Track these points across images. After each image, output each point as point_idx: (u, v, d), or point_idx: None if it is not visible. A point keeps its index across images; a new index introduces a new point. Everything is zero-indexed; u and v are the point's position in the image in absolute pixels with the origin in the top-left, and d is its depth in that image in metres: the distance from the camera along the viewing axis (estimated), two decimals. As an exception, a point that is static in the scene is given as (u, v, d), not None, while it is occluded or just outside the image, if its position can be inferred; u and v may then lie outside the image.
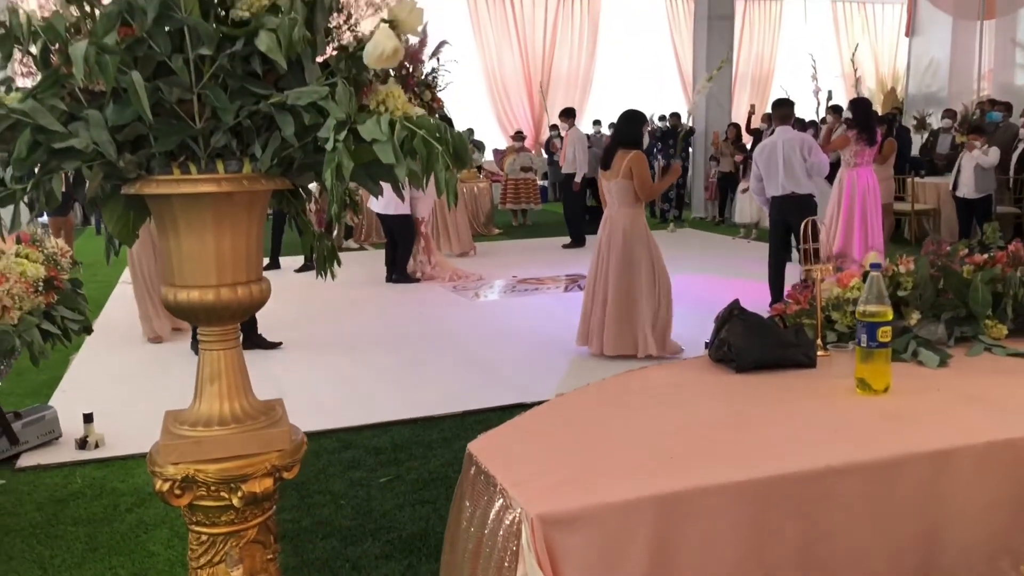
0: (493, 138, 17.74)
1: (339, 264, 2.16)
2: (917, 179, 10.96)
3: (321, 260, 2.14)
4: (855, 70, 11.67)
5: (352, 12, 1.92)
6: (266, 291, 1.96)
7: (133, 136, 1.77)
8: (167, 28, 1.72)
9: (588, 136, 16.94)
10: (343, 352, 6.22)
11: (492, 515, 1.84)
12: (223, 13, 1.77)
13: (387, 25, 1.76)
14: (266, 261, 9.09)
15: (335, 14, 1.90)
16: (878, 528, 1.92)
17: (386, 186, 6.44)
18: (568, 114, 11.62)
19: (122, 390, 5.35)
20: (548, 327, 6.83)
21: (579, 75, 18.70)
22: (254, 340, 6.22)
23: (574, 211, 11.51)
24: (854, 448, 2.00)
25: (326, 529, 3.44)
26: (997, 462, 2.01)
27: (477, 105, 18.00)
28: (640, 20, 19.22)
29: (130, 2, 1.71)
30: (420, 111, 1.98)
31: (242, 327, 6.29)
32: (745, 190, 10.94)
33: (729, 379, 2.55)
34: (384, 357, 6.05)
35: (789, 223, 6.84)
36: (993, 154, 9.60)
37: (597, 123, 18.38)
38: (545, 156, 17.71)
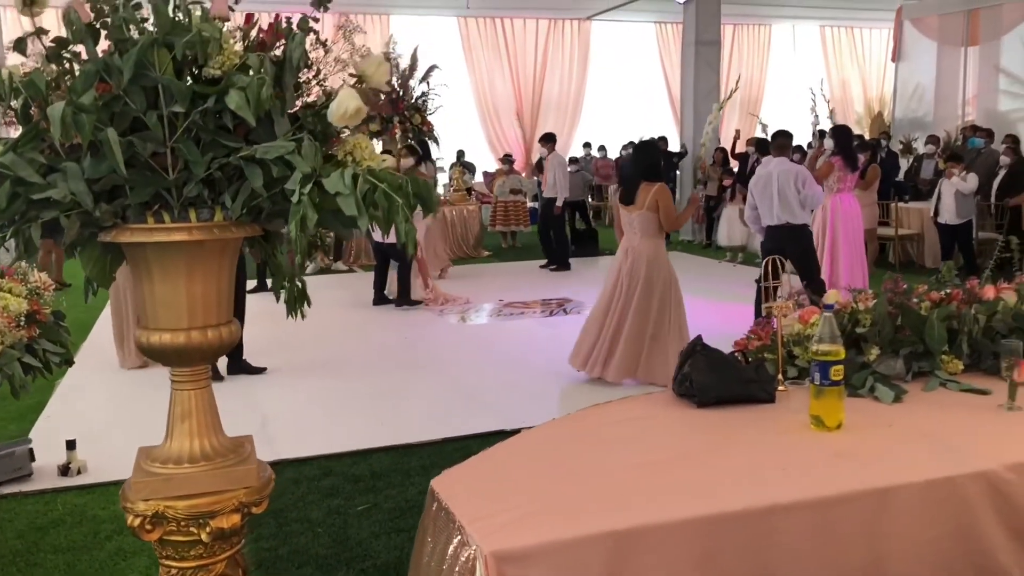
0: (484, 160, 17.86)
1: (309, 305, 2.24)
2: (901, 204, 11.10)
3: (291, 301, 2.21)
4: (827, 101, 11.79)
5: (321, 68, 2.01)
6: (236, 333, 2.04)
7: (109, 186, 1.86)
8: (142, 86, 1.81)
9: (578, 159, 17.13)
10: (327, 377, 6.28)
11: (450, 551, 1.92)
12: (197, 71, 1.88)
13: (351, 86, 1.85)
14: (254, 284, 9.16)
15: (304, 70, 2.00)
16: (823, 564, 2.00)
17: None
18: (548, 139, 11.75)
19: (106, 416, 5.40)
20: (531, 352, 6.91)
21: (570, 98, 18.87)
22: (240, 365, 6.28)
23: (558, 235, 11.60)
24: (802, 485, 2.08)
25: (302, 557, 3.50)
26: (937, 499, 2.09)
27: (468, 128, 18.15)
28: (630, 44, 19.42)
29: (107, 61, 1.81)
30: (388, 161, 2.08)
31: (228, 353, 6.31)
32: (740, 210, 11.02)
33: (691, 414, 2.64)
34: (367, 382, 6.11)
35: (784, 253, 6.97)
36: (972, 180, 9.75)
37: (587, 146, 18.54)
38: (535, 178, 17.86)
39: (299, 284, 2.22)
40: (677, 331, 5.72)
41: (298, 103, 1.99)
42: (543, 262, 11.69)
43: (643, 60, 19.42)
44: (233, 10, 1.98)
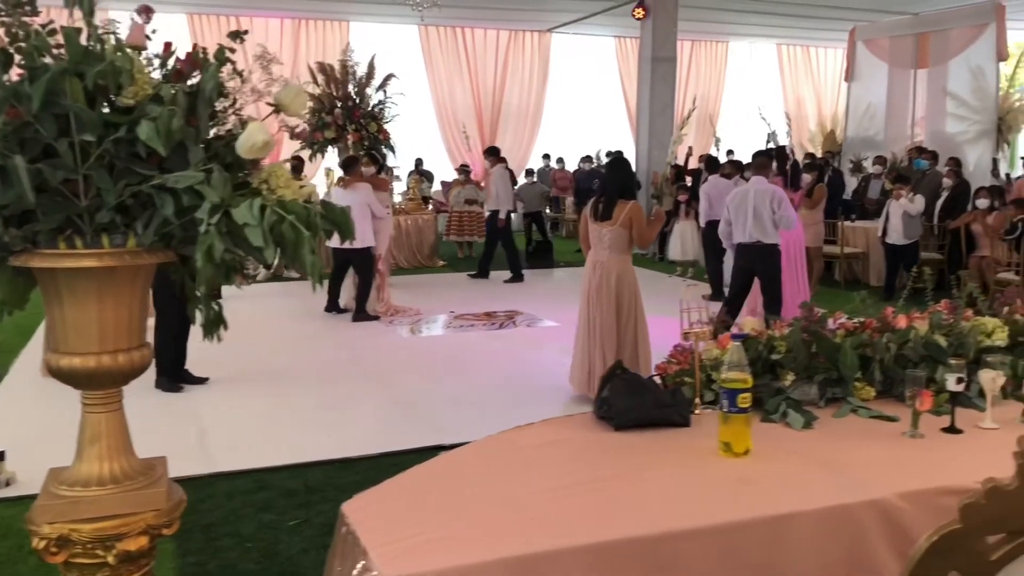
0: (443, 169, 17.90)
1: (226, 328, 2.26)
2: (847, 223, 11.32)
3: (208, 325, 2.22)
4: (767, 123, 12.02)
5: (237, 98, 2.04)
6: (147, 357, 2.06)
7: (19, 211, 1.88)
8: (54, 113, 1.83)
9: (534, 171, 17.23)
10: (269, 388, 6.27)
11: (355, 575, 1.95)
12: (112, 98, 1.90)
13: (258, 121, 1.89)
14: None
15: (221, 99, 2.03)
16: (721, 589, 2.07)
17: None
18: (492, 152, 11.82)
19: (38, 428, 5.33)
20: (477, 366, 6.95)
21: (529, 109, 18.96)
22: (181, 375, 6.24)
23: (506, 247, 11.66)
24: (705, 512, 2.15)
25: (230, 573, 3.51)
26: (832, 526, 2.17)
27: (428, 137, 18.17)
28: (590, 58, 19.59)
29: (16, 88, 1.82)
30: (307, 188, 2.12)
31: (170, 363, 6.30)
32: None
33: (608, 437, 2.70)
34: (310, 394, 6.12)
35: (753, 270, 7.12)
36: (919, 202, 9.99)
37: (546, 157, 18.65)
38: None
39: (216, 307, 2.24)
40: (633, 346, 5.79)
41: (213, 132, 2.03)
42: (506, 275, 11.66)
43: (602, 74, 19.59)
44: (150, 39, 2.02)
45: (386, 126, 12.99)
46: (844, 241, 11.01)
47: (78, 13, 1.90)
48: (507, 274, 11.70)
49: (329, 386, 6.35)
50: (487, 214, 16.29)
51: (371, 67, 12.81)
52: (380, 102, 12.84)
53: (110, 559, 1.96)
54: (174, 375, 6.20)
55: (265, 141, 1.83)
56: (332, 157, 13.13)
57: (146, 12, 2.03)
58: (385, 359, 7.26)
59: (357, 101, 12.65)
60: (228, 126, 2.02)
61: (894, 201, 10.02)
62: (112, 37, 1.90)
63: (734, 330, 2.79)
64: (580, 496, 2.25)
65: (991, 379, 2.76)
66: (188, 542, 3.80)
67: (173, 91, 1.87)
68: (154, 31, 2.00)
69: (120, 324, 1.99)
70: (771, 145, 12.64)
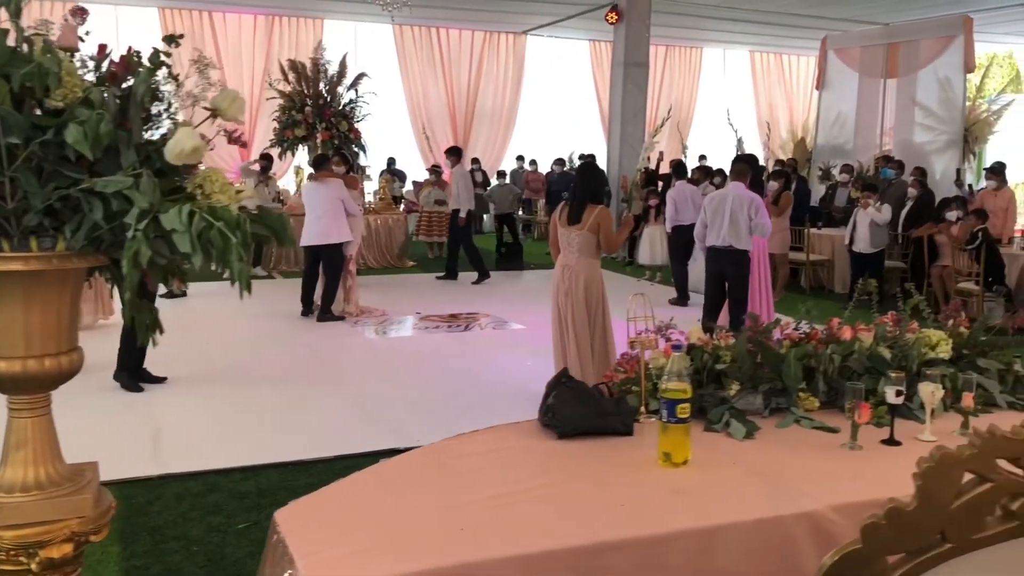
0: (417, 169, 17.86)
1: (161, 332, 2.23)
2: (813, 230, 11.42)
3: (143, 328, 2.20)
4: (735, 131, 12.11)
5: (172, 102, 2.02)
6: (76, 362, 2.04)
7: (-57, 212, 1.85)
8: (-21, 114, 1.81)
9: (505, 172, 17.25)
10: (228, 389, 6.23)
11: (283, 585, 1.94)
12: (43, 99, 1.88)
13: (187, 127, 1.87)
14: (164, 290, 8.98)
15: (156, 103, 2.01)
16: (649, 600, 2.08)
17: (320, 216, 6.74)
18: (453, 152, 11.81)
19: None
20: (439, 368, 6.94)
21: (503, 111, 18.99)
22: (140, 374, 6.18)
23: (467, 247, 11.67)
24: (636, 522, 2.16)
25: (174, 576, 3.48)
26: (763, 538, 2.18)
27: (402, 136, 18.14)
28: (565, 60, 19.65)
29: (-60, 89, 1.79)
30: (245, 192, 2.10)
31: (129, 361, 6.20)
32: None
33: (550, 446, 2.70)
34: (268, 396, 6.08)
35: (724, 274, 7.19)
36: (886, 211, 10.11)
37: (520, 159, 18.68)
38: (466, 189, 17.90)
39: (150, 311, 2.21)
40: (603, 350, 5.81)
41: (148, 135, 2.01)
42: (474, 276, 11.65)
43: (577, 77, 19.66)
44: (83, 40, 1.99)
45: (357, 125, 12.97)
46: (810, 248, 11.10)
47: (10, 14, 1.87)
48: (476, 275, 11.70)
49: (288, 387, 6.31)
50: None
51: (343, 66, 12.78)
52: (351, 101, 12.81)
53: (33, 566, 1.94)
54: (134, 373, 6.13)
55: (194, 147, 1.81)
56: (302, 155, 13.09)
57: (80, 14, 2.00)
58: (347, 361, 7.23)
59: (328, 100, 12.62)
60: (163, 130, 2.00)
61: (861, 210, 10.13)
62: (42, 39, 1.87)
63: (676, 339, 2.80)
64: (516, 505, 2.25)
65: (930, 392, 2.79)
66: (134, 545, 3.76)
67: (104, 94, 1.85)
68: (88, 32, 1.98)
69: (48, 329, 1.96)
70: (738, 152, 12.75)
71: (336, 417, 5.64)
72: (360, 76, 12.78)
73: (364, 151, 13.13)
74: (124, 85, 1.97)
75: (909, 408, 2.98)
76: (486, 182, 17.39)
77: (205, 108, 2.08)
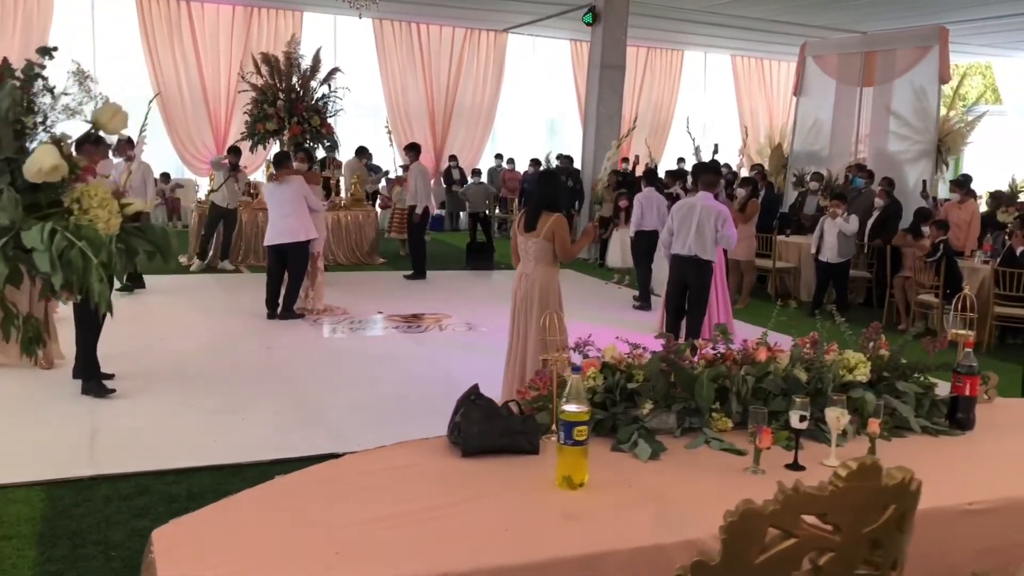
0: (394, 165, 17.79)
1: (44, 346, 2.21)
2: (781, 237, 11.45)
3: (26, 341, 2.18)
4: (693, 140, 12.13)
5: (48, 115, 2.00)
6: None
7: None
8: None
9: (480, 171, 17.21)
10: (172, 388, 6.17)
11: (148, 607, 1.92)
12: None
13: (50, 143, 1.85)
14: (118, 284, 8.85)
15: (31, 115, 1.98)
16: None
17: (285, 215, 6.79)
18: (412, 148, 11.80)
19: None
20: (392, 370, 6.92)
21: (482, 108, 18.94)
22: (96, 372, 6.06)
23: (415, 243, 11.67)
24: (517, 548, 2.14)
25: (87, 583, 3.45)
26: (645, 567, 2.17)
27: (379, 131, 18.03)
28: (545, 59, 19.62)
29: None
30: (134, 206, 2.07)
31: (91, 370, 5.97)
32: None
33: (454, 463, 2.69)
34: (213, 395, 6.04)
35: (686, 282, 7.21)
36: (853, 222, 10.13)
37: (499, 157, 18.65)
38: (444, 186, 17.88)
39: (35, 324, 2.19)
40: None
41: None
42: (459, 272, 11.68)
43: (557, 76, 19.63)
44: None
45: (330, 120, 12.91)
46: (776, 255, 11.13)
47: None
48: (447, 274, 11.69)
49: (234, 387, 6.27)
50: (438, 211, 16.41)
51: (316, 60, 12.71)
52: (324, 96, 12.74)
53: None
54: (95, 374, 6.02)
55: (53, 165, 1.79)
56: (276, 150, 13.00)
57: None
58: (299, 360, 7.19)
59: (301, 94, 12.55)
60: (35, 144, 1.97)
61: (829, 219, 10.13)
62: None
63: (578, 362, 2.79)
64: (404, 527, 2.23)
65: (835, 417, 2.79)
66: (53, 549, 3.73)
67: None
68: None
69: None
70: (697, 160, 12.78)
71: (278, 419, 5.60)
72: (333, 71, 12.71)
73: (336, 146, 13.07)
74: None
75: (823, 431, 2.98)
76: (463, 180, 17.36)
77: (85, 122, 2.06)
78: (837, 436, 2.88)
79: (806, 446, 2.94)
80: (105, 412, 5.58)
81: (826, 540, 1.27)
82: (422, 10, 16.69)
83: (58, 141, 2.00)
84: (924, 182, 12.41)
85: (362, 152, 14.69)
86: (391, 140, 14.18)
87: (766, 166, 16.46)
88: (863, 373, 3.24)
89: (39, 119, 1.98)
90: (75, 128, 2.12)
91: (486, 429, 2.75)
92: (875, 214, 10.90)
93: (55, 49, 1.96)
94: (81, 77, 2.02)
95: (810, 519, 1.28)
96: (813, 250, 10.29)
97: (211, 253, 11.84)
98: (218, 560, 2.01)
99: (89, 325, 5.82)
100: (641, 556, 2.18)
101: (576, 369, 2.58)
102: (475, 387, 2.93)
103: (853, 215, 10.28)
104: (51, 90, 1.98)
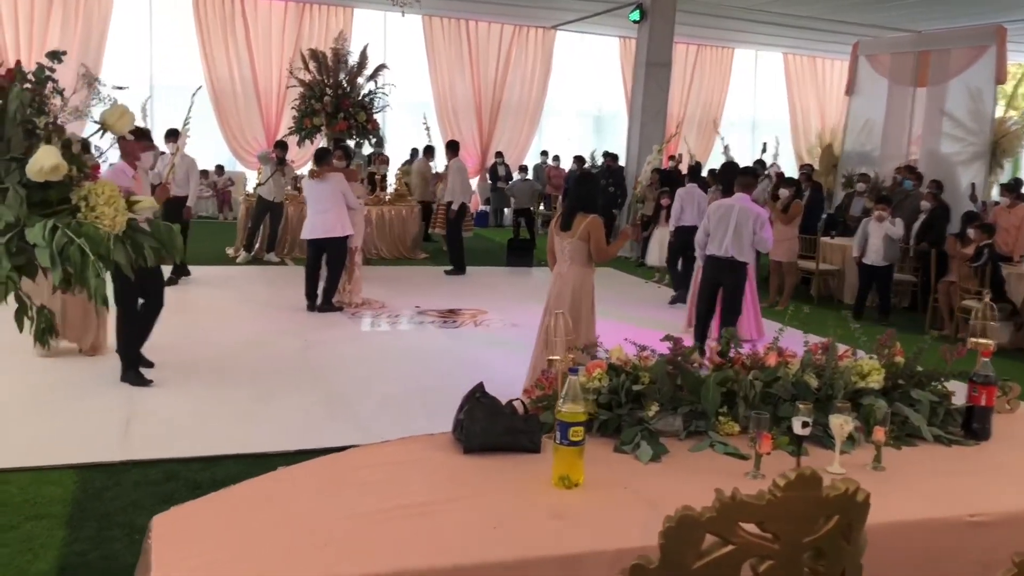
0: (440, 161, 17.92)
1: (56, 336, 2.30)
2: (825, 239, 11.29)
3: (39, 331, 2.27)
4: (722, 139, 11.99)
5: (58, 116, 2.08)
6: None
7: None
8: None
9: (527, 167, 17.23)
10: (208, 377, 6.32)
11: (141, 590, 2.00)
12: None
13: (50, 145, 1.92)
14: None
15: (42, 116, 2.06)
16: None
17: (323, 210, 6.96)
18: (451, 146, 11.94)
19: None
20: (423, 364, 6.99)
21: (529, 105, 18.96)
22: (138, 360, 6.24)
23: (452, 238, 11.74)
24: (500, 545, 2.17)
25: (109, 564, 3.56)
26: (623, 567, 2.19)
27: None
28: (594, 57, 19.57)
29: None
30: (144, 203, 2.15)
31: (130, 359, 6.11)
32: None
33: (455, 460, 2.73)
34: (246, 385, 6.16)
35: (720, 283, 7.20)
36: (899, 225, 9.95)
37: (544, 154, 18.66)
38: (489, 182, 17.95)
39: (47, 315, 2.28)
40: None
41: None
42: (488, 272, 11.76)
43: (605, 73, 19.56)
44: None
45: (376, 116, 13.05)
46: (820, 257, 10.98)
47: None
48: (487, 270, 11.75)
49: (267, 377, 6.40)
50: (482, 207, 16.47)
51: (363, 56, 12.86)
52: (370, 92, 12.89)
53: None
54: (135, 364, 6.20)
55: (53, 165, 1.86)
56: (322, 144, 13.19)
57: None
58: (333, 353, 7.30)
59: (347, 89, 12.70)
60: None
61: (874, 222, 9.95)
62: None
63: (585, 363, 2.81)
64: (397, 521, 2.28)
65: (839, 424, 2.77)
66: (80, 530, 3.86)
67: (-24, 110, 1.91)
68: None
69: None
70: (726, 160, 12.64)
71: (306, 410, 5.71)
72: (380, 67, 12.85)
73: (382, 142, 13.22)
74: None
75: (830, 438, 2.96)
76: (508, 176, 17.41)
77: (94, 122, 2.14)
78: (844, 443, 2.87)
79: (813, 452, 2.93)
80: (141, 399, 5.75)
81: (765, 548, 1.29)
82: (472, 7, 16.77)
83: (68, 143, 2.07)
84: (972, 185, 12.13)
85: (429, 152, 14.79)
86: (428, 135, 14.31)
87: (816, 166, 16.23)
88: (876, 380, 3.21)
89: (49, 119, 2.06)
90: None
91: (488, 427, 2.79)
92: (921, 217, 10.69)
93: (64, 53, 2.05)
94: (89, 79, 2.10)
95: (749, 527, 1.30)
96: (855, 253, 10.12)
97: (257, 245, 12.07)
98: (210, 548, 2.07)
99: (127, 317, 6.00)
100: (625, 557, 2.17)
101: (574, 370, 2.60)
102: (480, 385, 2.97)
103: (898, 219, 10.09)
104: (61, 92, 2.05)
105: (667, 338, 3.12)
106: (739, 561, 1.29)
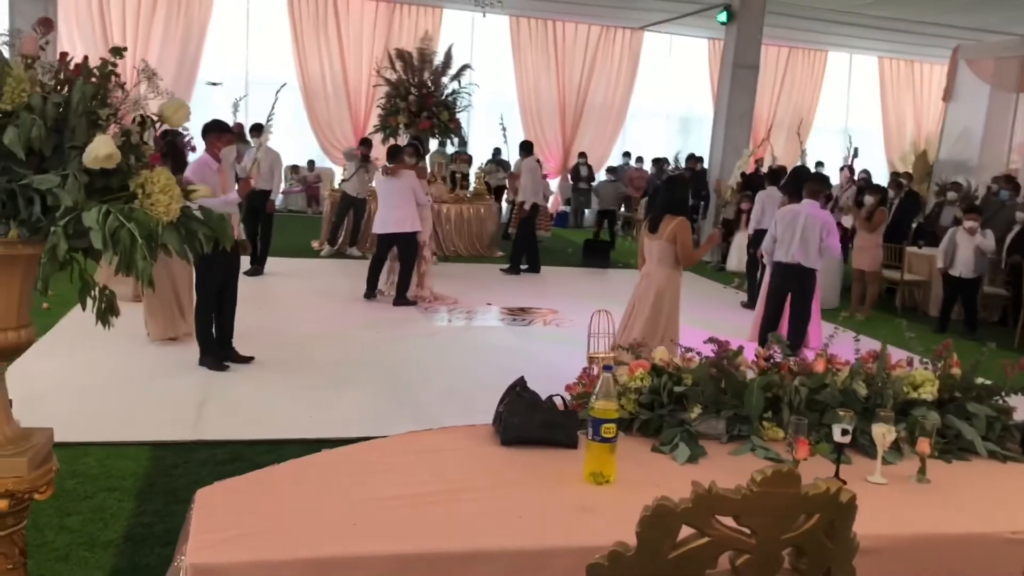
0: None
1: (117, 316, 2.43)
2: (911, 249, 10.96)
3: (100, 312, 2.41)
4: (800, 142, 11.68)
5: (119, 108, 2.21)
6: (26, 336, 2.26)
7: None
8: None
9: (615, 168, 17.18)
10: (283, 363, 6.55)
11: (179, 559, 2.11)
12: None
13: (105, 135, 2.05)
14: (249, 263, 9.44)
15: (106, 108, 2.20)
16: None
17: (395, 206, 7.14)
18: (525, 147, 12.05)
19: (93, 379, 5.81)
20: (488, 360, 7.06)
21: (614, 107, 18.90)
22: (227, 353, 6.48)
23: (525, 237, 11.80)
24: (521, 534, 2.22)
25: (171, 537, 3.72)
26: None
27: (511, 127, 18.29)
28: (681, 58, 19.38)
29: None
30: (201, 191, 2.28)
31: (209, 345, 6.35)
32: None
33: (493, 451, 2.80)
34: (317, 373, 6.37)
35: (788, 290, 7.13)
36: (989, 237, 9.56)
37: (627, 155, 18.58)
38: (571, 182, 17.97)
39: (108, 296, 2.41)
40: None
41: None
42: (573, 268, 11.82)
43: (692, 75, 19.36)
44: (44, 49, 2.20)
45: (459, 115, 13.23)
46: (905, 267, 10.66)
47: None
48: (563, 270, 11.78)
49: (338, 367, 6.58)
50: (562, 208, 16.50)
51: (448, 56, 13.04)
52: (454, 91, 13.07)
53: (-29, 517, 2.17)
54: (219, 353, 6.45)
55: (107, 154, 1.98)
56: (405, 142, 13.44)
57: (45, 25, 2.22)
58: (404, 345, 7.45)
59: (432, 89, 12.91)
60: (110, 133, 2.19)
61: (963, 232, 9.57)
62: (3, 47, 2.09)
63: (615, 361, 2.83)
64: (425, 506, 2.35)
65: (881, 434, 2.73)
66: (149, 503, 4.06)
67: (44, 101, 2.05)
68: (46, 42, 2.18)
69: (0, 306, 2.19)
70: (799, 163, 12.37)
71: (371, 399, 5.86)
72: (464, 67, 13.02)
73: (465, 141, 13.40)
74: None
75: (875, 447, 2.91)
76: (591, 177, 17.39)
77: (153, 115, 2.27)
78: (887, 452, 2.82)
79: (857, 461, 2.89)
80: (216, 383, 5.99)
81: (741, 542, 1.30)
82: (560, 8, 16.82)
83: (127, 133, 2.21)
84: (1068, 196, 11.59)
85: (527, 148, 14.95)
86: (504, 136, 14.44)
87: (911, 173, 15.75)
88: (929, 392, 3.14)
89: (111, 111, 2.20)
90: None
91: (525, 420, 2.84)
92: (1016, 229, 10.26)
93: (124, 49, 2.17)
94: (148, 74, 2.23)
95: (726, 520, 1.31)
96: (940, 263, 9.75)
97: (340, 239, 12.39)
98: (244, 521, 2.18)
99: (204, 306, 6.26)
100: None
101: (609, 367, 2.63)
102: (521, 379, 3.02)
103: (988, 231, 9.69)
104: (123, 86, 2.19)
105: (711, 340, 3.12)
106: (715, 553, 1.31)
